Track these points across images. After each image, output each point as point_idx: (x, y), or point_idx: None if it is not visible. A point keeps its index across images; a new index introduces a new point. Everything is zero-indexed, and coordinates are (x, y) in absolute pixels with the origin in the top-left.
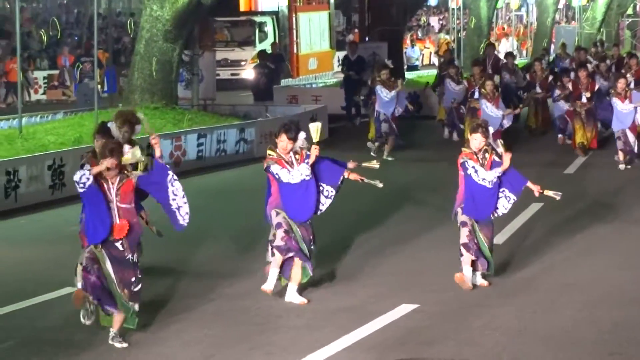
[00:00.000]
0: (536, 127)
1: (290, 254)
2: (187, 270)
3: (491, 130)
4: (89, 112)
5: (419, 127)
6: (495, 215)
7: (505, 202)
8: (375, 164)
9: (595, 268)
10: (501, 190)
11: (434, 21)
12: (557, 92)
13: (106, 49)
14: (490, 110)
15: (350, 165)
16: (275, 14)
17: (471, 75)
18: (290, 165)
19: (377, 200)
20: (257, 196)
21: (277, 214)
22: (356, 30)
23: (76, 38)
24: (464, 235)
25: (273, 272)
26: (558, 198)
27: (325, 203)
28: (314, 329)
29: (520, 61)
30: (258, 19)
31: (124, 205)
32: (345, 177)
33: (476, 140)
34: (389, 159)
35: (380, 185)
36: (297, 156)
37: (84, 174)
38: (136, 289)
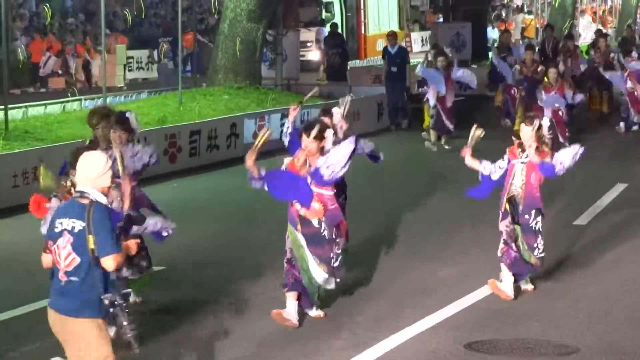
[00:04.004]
0: (602, 109)
1: (285, 289)
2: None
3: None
4: (173, 92)
5: (479, 110)
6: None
7: None
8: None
9: None
10: None
11: (518, 1)
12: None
13: (191, 29)
14: (549, 101)
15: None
16: None
17: (522, 61)
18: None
19: (447, 187)
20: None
21: (288, 236)
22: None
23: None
24: (500, 248)
25: (290, 304)
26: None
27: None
28: (398, 309)
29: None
30: None
31: None
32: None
33: (524, 132)
34: (446, 147)
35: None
36: None
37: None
38: None
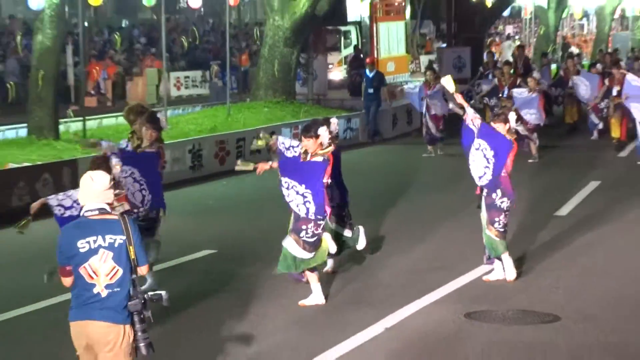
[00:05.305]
0: (574, 122)
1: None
2: None
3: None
4: (222, 106)
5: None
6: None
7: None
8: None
9: None
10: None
11: (509, 29)
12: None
13: (240, 53)
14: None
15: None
16: (358, 23)
17: (500, 73)
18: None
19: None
20: (367, 177)
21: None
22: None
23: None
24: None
25: (312, 287)
26: None
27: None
28: (407, 286)
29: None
30: (344, 27)
31: None
32: None
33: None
34: (440, 152)
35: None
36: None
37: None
38: None
